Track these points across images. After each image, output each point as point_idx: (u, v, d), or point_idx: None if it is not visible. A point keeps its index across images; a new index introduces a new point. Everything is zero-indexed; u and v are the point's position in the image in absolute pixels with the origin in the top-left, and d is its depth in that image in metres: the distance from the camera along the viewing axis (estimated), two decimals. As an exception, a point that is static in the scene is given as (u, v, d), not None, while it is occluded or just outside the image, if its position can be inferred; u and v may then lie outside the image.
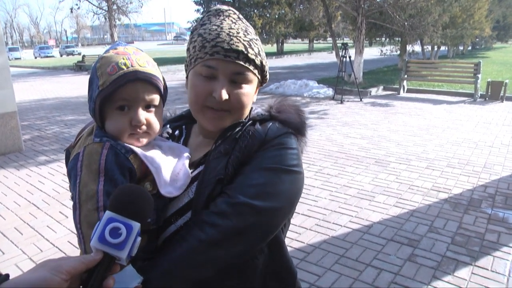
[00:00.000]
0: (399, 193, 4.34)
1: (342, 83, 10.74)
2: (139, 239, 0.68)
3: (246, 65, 0.93)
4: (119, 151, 0.86)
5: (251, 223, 0.85)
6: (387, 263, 2.99)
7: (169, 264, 0.82)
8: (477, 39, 33.41)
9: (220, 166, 0.91)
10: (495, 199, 4.17)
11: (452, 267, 2.95)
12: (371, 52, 27.68)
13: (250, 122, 0.98)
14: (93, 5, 24.59)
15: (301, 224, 3.62)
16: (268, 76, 1.05)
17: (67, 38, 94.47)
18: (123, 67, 0.86)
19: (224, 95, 0.91)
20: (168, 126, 1.09)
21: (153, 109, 0.92)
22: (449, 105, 9.87)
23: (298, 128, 0.98)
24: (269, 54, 29.83)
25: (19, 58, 40.46)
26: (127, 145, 0.89)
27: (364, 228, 3.56)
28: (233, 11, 0.99)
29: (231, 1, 26.36)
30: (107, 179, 0.82)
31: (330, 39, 21.10)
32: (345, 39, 33.39)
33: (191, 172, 0.96)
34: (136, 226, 0.67)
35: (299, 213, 3.84)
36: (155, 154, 0.92)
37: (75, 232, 0.85)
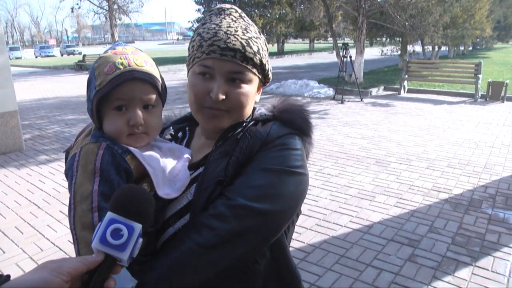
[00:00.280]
0: (399, 193, 4.34)
1: (342, 83, 10.74)
2: (140, 240, 0.67)
3: (244, 64, 0.90)
4: (116, 152, 0.85)
5: (249, 226, 0.82)
6: (387, 263, 2.99)
7: (165, 268, 0.81)
8: (478, 40, 33.37)
9: (220, 168, 0.89)
10: (495, 199, 4.17)
11: (452, 267, 2.94)
12: (372, 52, 27.66)
13: (252, 122, 0.96)
14: (94, 4, 24.62)
15: (302, 224, 3.62)
16: (270, 76, 1.02)
17: (67, 37, 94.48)
18: (120, 66, 0.86)
19: (221, 95, 0.89)
20: (171, 128, 1.08)
21: (151, 109, 0.91)
22: (449, 106, 9.86)
23: (302, 128, 0.95)
24: (269, 54, 29.48)
25: (20, 58, 40.47)
26: (124, 145, 0.88)
27: (364, 228, 3.56)
28: (235, 9, 0.97)
29: (232, 1, 26.36)
30: (102, 180, 0.81)
31: (331, 39, 21.09)
32: (345, 39, 33.42)
33: (191, 174, 0.94)
34: (138, 227, 0.66)
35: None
36: (153, 155, 0.91)
37: None
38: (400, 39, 18.38)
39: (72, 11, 25.64)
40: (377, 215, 3.82)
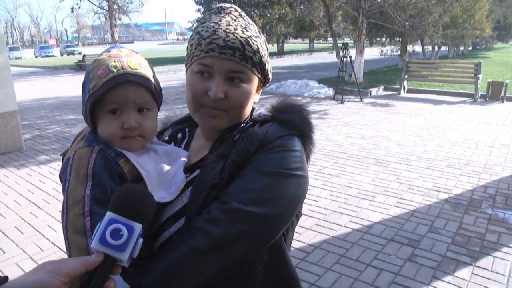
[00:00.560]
0: (399, 193, 4.34)
1: (342, 83, 10.74)
2: (141, 240, 0.66)
3: (243, 62, 0.89)
4: (109, 155, 0.85)
5: (244, 231, 0.80)
6: (387, 263, 2.99)
7: (159, 272, 0.79)
8: (478, 40, 33.39)
9: (216, 170, 0.86)
10: (495, 199, 4.17)
11: (452, 267, 2.95)
12: (372, 52, 27.66)
13: (250, 123, 0.94)
14: (94, 4, 24.63)
15: (301, 224, 3.62)
16: (270, 76, 1.00)
17: (67, 37, 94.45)
18: (114, 69, 0.85)
19: (219, 94, 0.87)
20: (170, 129, 1.07)
21: (146, 112, 0.90)
22: (449, 106, 9.86)
23: (301, 129, 0.93)
24: (269, 54, 29.50)
25: (20, 58, 40.45)
26: (118, 149, 0.87)
27: (364, 228, 3.56)
28: (235, 8, 0.96)
29: (232, 0, 26.35)
30: (94, 184, 0.80)
31: (331, 39, 21.09)
32: (345, 39, 33.45)
33: (187, 176, 0.92)
34: (138, 227, 0.66)
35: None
36: (147, 158, 0.90)
37: None
38: (400, 39, 18.40)
39: (72, 11, 25.66)
40: (377, 215, 3.82)
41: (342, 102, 10.25)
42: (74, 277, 0.63)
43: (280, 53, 32.16)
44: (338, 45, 12.88)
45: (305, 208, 3.95)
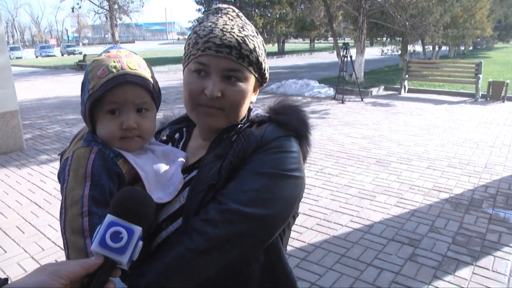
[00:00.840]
0: (400, 193, 4.34)
1: (343, 83, 10.74)
2: (140, 243, 0.66)
3: (239, 61, 0.89)
4: (107, 156, 0.85)
5: (241, 231, 0.81)
6: (388, 263, 2.99)
7: (156, 273, 0.80)
8: (479, 39, 33.36)
9: (213, 171, 0.87)
10: (496, 199, 4.17)
11: (453, 267, 2.95)
12: (372, 52, 27.64)
13: (247, 124, 0.95)
14: (95, 4, 24.63)
15: (302, 224, 3.62)
16: (268, 75, 1.00)
17: (68, 37, 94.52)
18: (113, 70, 0.85)
19: (216, 92, 0.87)
20: (167, 129, 1.07)
21: (144, 113, 0.90)
22: (450, 105, 9.86)
23: (298, 129, 0.93)
24: (270, 54, 29.80)
25: (21, 57, 40.50)
26: (116, 149, 0.87)
27: (365, 227, 3.56)
28: (232, 9, 0.96)
29: (232, 0, 26.35)
30: (93, 184, 0.81)
31: (331, 39, 21.10)
32: (346, 39, 33.40)
33: (185, 177, 0.92)
34: (138, 230, 0.66)
35: (300, 213, 3.83)
36: (146, 159, 0.90)
37: None
38: (401, 39, 18.38)
39: (73, 11, 25.67)
40: (378, 214, 3.82)
41: (342, 102, 10.25)
42: (74, 279, 0.63)
43: (281, 53, 32.15)
44: (339, 44, 12.88)
45: (305, 208, 3.95)
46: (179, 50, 41.67)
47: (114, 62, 0.87)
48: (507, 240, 3.33)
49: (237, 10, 0.97)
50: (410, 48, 19.18)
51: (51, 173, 5.17)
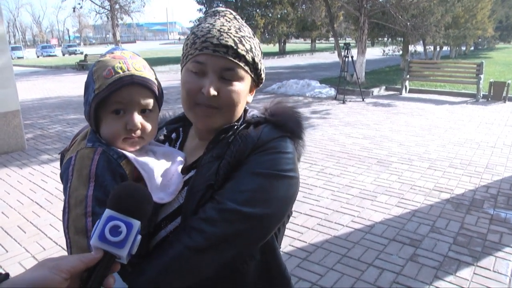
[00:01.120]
0: (401, 193, 4.34)
1: (344, 83, 10.73)
2: (139, 237, 0.67)
3: (236, 60, 0.90)
4: (111, 157, 0.86)
5: (239, 230, 0.83)
6: (389, 263, 2.99)
7: (155, 271, 0.81)
8: (480, 40, 33.30)
9: (211, 171, 0.89)
10: (497, 199, 4.16)
11: (454, 267, 2.95)
12: (373, 52, 27.63)
13: (244, 125, 0.96)
14: (96, 4, 24.61)
15: (303, 224, 3.63)
16: (263, 76, 1.02)
17: (69, 37, 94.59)
18: (119, 71, 0.86)
19: (212, 91, 0.89)
20: (164, 129, 1.08)
21: (148, 114, 0.92)
22: (451, 106, 9.85)
23: (294, 131, 0.95)
24: (271, 54, 29.82)
25: (22, 57, 40.56)
26: (120, 150, 0.88)
27: (366, 228, 3.57)
28: (229, 11, 0.99)
29: (233, 0, 26.37)
30: (97, 185, 0.82)
31: (332, 39, 21.07)
32: (347, 39, 33.42)
33: (183, 177, 0.94)
34: (136, 224, 0.67)
35: (301, 213, 3.84)
36: (147, 160, 0.91)
37: None
38: (402, 39, 18.36)
39: (74, 11, 25.67)
40: (379, 215, 3.82)
41: (343, 102, 10.24)
42: (74, 273, 0.63)
43: (282, 53, 32.15)
44: (340, 45, 12.87)
45: (306, 208, 3.95)
46: (180, 50, 40.93)
47: (120, 63, 0.88)
48: (508, 240, 3.32)
49: (234, 13, 1.00)
50: (411, 48, 19.18)
51: (53, 172, 5.18)
